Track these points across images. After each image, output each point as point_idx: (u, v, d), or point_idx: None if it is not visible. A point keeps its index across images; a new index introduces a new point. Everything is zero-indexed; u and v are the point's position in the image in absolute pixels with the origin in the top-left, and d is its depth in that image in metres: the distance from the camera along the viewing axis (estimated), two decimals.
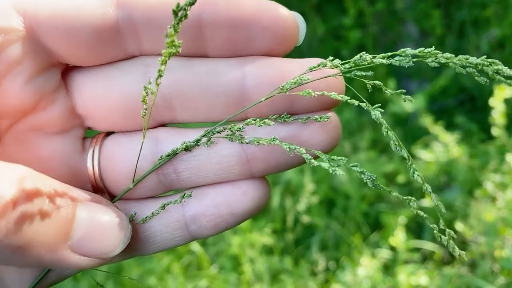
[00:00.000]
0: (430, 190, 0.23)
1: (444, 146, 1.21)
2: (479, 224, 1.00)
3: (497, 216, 0.96)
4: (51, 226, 0.21)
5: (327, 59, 0.24)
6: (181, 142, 0.25)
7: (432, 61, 0.22)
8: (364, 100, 0.23)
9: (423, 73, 1.73)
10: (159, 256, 1.08)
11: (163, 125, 0.27)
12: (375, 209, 1.20)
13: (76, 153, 0.26)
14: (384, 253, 1.06)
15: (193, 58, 0.25)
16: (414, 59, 0.23)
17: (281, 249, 1.14)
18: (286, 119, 0.25)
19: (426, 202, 1.02)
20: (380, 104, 0.23)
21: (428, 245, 1.07)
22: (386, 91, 0.24)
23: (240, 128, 0.25)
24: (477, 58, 0.22)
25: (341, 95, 0.24)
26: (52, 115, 0.25)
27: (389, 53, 0.23)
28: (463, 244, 1.02)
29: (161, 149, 0.26)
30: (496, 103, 1.06)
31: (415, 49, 0.23)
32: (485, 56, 0.22)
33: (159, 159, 0.26)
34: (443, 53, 0.22)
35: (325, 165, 0.23)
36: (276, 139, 0.24)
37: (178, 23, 0.20)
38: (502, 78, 0.21)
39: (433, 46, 0.23)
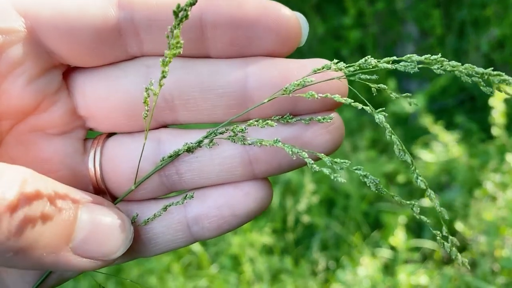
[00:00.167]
0: (434, 196, 0.23)
1: (444, 146, 1.21)
2: (479, 224, 1.00)
3: (497, 215, 0.96)
4: (53, 228, 0.21)
5: (332, 61, 0.24)
6: (183, 143, 0.25)
7: (438, 68, 0.22)
8: (367, 103, 0.23)
9: (423, 72, 1.73)
10: (159, 255, 1.08)
11: (165, 126, 0.27)
12: (375, 208, 1.20)
13: (78, 154, 0.26)
14: (384, 253, 1.06)
15: (195, 58, 0.25)
16: (420, 65, 0.23)
17: (281, 248, 1.14)
18: (289, 120, 0.25)
19: (426, 202, 1.02)
20: (384, 108, 0.23)
21: (428, 244, 1.07)
22: (391, 94, 0.23)
23: (242, 129, 0.25)
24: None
25: (345, 98, 0.24)
26: (54, 116, 0.25)
27: (394, 57, 0.23)
28: (463, 244, 1.02)
29: (163, 150, 0.26)
30: (496, 102, 1.06)
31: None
32: (492, 68, 0.22)
33: (161, 161, 0.26)
34: (449, 61, 0.22)
35: (326, 171, 0.23)
36: (279, 141, 0.24)
37: (178, 24, 0.20)
38: (507, 90, 0.21)
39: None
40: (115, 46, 0.24)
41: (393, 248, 1.05)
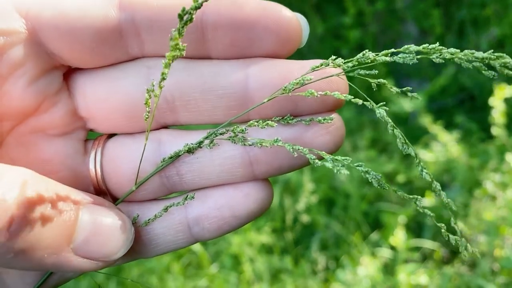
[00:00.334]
0: (440, 188, 0.23)
1: (444, 146, 1.21)
2: (479, 223, 1.00)
3: (496, 215, 0.97)
4: (54, 229, 0.21)
5: (329, 58, 0.24)
6: (183, 144, 0.25)
7: (437, 57, 0.22)
8: (368, 99, 0.23)
9: (422, 72, 1.73)
10: (159, 255, 1.08)
11: (166, 127, 0.27)
12: (375, 208, 1.20)
13: (78, 155, 0.26)
14: (384, 252, 1.06)
15: (195, 59, 0.25)
16: (418, 56, 0.23)
17: (281, 248, 1.14)
18: (289, 121, 0.25)
19: (427, 201, 1.02)
20: (384, 102, 0.23)
21: (428, 244, 1.07)
22: (391, 89, 0.23)
23: (243, 130, 0.25)
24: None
25: (344, 95, 0.24)
26: (54, 117, 0.25)
27: (392, 50, 0.23)
28: None
29: (163, 151, 0.26)
30: (496, 102, 1.06)
31: (408, 45, 0.23)
32: (491, 51, 0.22)
33: (161, 161, 0.26)
34: (447, 48, 0.22)
35: (329, 165, 0.22)
36: (279, 141, 0.24)
37: (183, 27, 0.20)
38: (511, 72, 0.21)
39: (434, 45, 0.23)
40: (116, 47, 0.24)
41: (393, 247, 1.05)
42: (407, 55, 0.22)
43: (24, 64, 0.23)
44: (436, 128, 1.21)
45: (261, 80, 0.24)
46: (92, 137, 0.27)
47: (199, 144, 0.25)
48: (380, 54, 0.23)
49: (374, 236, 1.13)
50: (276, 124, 0.24)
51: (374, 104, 0.23)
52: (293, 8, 0.24)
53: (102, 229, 0.23)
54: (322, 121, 0.24)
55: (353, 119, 1.55)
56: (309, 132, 0.25)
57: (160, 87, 0.22)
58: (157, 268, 1.05)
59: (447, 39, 1.76)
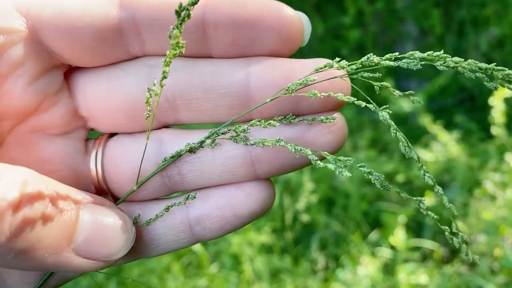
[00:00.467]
0: (442, 192, 0.23)
1: (443, 146, 1.21)
2: (479, 223, 1.00)
3: (496, 215, 0.97)
4: (54, 229, 0.21)
5: (334, 60, 0.24)
6: (185, 144, 0.25)
7: (441, 65, 0.22)
8: (371, 101, 0.23)
9: (422, 72, 1.73)
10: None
11: (167, 126, 0.27)
12: (375, 208, 1.20)
13: (79, 155, 0.26)
14: (384, 252, 1.06)
15: (197, 58, 0.25)
16: (422, 62, 0.23)
17: (280, 248, 1.14)
18: (292, 120, 0.25)
19: (427, 201, 1.02)
20: (388, 105, 0.23)
21: (428, 244, 1.07)
22: (394, 93, 0.23)
23: (244, 130, 0.24)
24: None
25: (348, 97, 0.24)
26: (55, 117, 0.25)
27: (396, 54, 0.23)
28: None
29: (164, 150, 0.26)
30: (496, 102, 1.06)
31: (414, 48, 0.23)
32: (494, 64, 0.22)
33: (163, 161, 0.25)
34: (451, 57, 0.22)
35: (331, 166, 0.22)
36: (281, 140, 0.24)
37: (181, 24, 0.20)
38: (511, 86, 0.21)
39: (433, 46, 0.23)
40: (116, 46, 0.24)
41: (393, 247, 1.05)
42: (412, 61, 0.22)
43: (25, 63, 0.23)
44: (435, 128, 1.21)
45: (263, 79, 0.24)
46: (93, 136, 0.27)
47: (201, 144, 0.25)
48: (384, 58, 0.23)
49: (374, 235, 1.13)
50: (278, 124, 0.24)
51: (377, 107, 0.23)
52: (293, 7, 0.24)
53: (103, 229, 0.23)
54: (325, 120, 0.24)
55: (353, 119, 1.55)
56: (311, 131, 0.24)
57: (161, 86, 0.21)
58: (157, 267, 1.05)
59: (447, 39, 1.76)
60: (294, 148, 0.23)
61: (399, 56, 0.23)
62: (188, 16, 0.20)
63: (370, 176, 0.23)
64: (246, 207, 0.25)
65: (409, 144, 0.23)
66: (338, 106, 0.25)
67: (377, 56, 0.23)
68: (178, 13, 0.20)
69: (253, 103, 0.24)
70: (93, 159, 0.26)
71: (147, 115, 0.24)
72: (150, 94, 0.23)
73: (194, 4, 0.20)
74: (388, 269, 1.03)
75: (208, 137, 0.25)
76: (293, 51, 0.25)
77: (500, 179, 1.02)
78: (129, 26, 0.23)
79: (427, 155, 1.21)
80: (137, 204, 0.27)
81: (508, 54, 1.60)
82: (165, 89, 0.24)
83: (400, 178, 1.23)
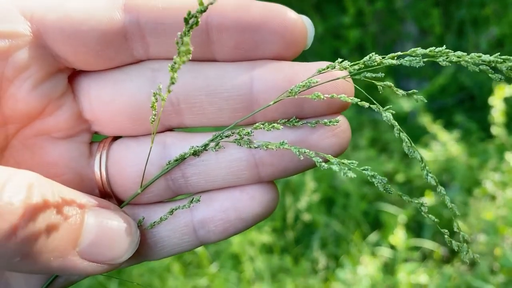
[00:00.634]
0: (444, 192, 0.23)
1: (443, 145, 1.21)
2: (479, 223, 1.00)
3: (496, 214, 0.97)
4: (60, 232, 0.21)
5: (336, 61, 0.24)
6: (188, 147, 0.25)
7: (444, 60, 0.22)
8: (375, 102, 0.23)
9: (422, 72, 1.73)
10: None
11: (171, 129, 0.27)
12: (375, 207, 1.20)
13: (83, 158, 0.26)
14: (384, 252, 1.06)
15: (201, 62, 0.25)
16: (425, 59, 0.23)
17: (281, 247, 1.14)
18: (295, 123, 0.25)
19: (427, 200, 1.02)
20: (390, 106, 0.23)
21: (427, 244, 1.07)
22: (397, 92, 0.23)
23: (248, 133, 0.24)
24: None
25: (351, 97, 0.24)
26: (59, 120, 0.25)
27: (399, 53, 0.23)
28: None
29: (168, 153, 0.26)
30: (496, 101, 1.06)
31: (415, 48, 0.23)
32: (498, 54, 0.22)
33: (167, 164, 0.26)
34: (453, 51, 0.22)
35: (336, 168, 0.22)
36: (285, 143, 0.24)
37: (188, 31, 0.20)
38: None
39: (433, 45, 0.23)
40: (120, 50, 0.24)
41: (393, 247, 1.05)
42: (414, 58, 0.22)
43: (29, 67, 0.23)
44: (435, 128, 1.21)
45: (266, 83, 0.24)
46: (97, 139, 0.27)
47: (205, 147, 0.25)
48: (387, 57, 0.23)
49: (374, 235, 1.13)
50: (282, 127, 0.24)
51: (381, 107, 0.23)
52: (292, 8, 0.24)
53: (107, 232, 0.23)
54: (328, 123, 0.24)
55: (353, 119, 1.55)
56: (315, 134, 0.25)
57: (169, 91, 0.21)
58: (158, 267, 1.05)
59: (446, 38, 1.76)
60: (298, 151, 0.23)
61: (402, 53, 0.23)
62: (196, 23, 0.20)
63: (373, 179, 0.23)
64: (250, 210, 0.26)
65: (412, 144, 0.23)
66: (342, 109, 0.25)
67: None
68: (186, 20, 0.20)
69: (257, 106, 0.24)
70: (98, 162, 0.26)
71: (152, 119, 0.24)
72: (156, 99, 0.23)
73: (203, 11, 0.20)
74: (388, 268, 1.04)
75: (212, 140, 0.25)
76: (296, 54, 0.25)
77: (499, 179, 1.03)
78: (133, 29, 0.23)
79: (426, 155, 1.21)
80: (142, 207, 0.27)
81: (507, 54, 1.59)
82: (170, 93, 0.24)
83: (400, 177, 1.23)
